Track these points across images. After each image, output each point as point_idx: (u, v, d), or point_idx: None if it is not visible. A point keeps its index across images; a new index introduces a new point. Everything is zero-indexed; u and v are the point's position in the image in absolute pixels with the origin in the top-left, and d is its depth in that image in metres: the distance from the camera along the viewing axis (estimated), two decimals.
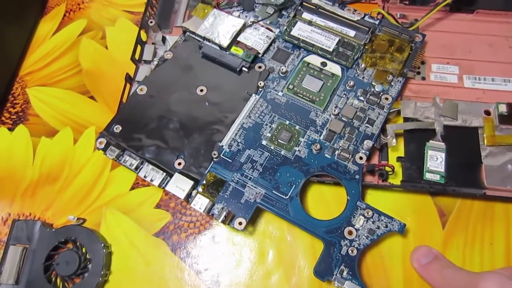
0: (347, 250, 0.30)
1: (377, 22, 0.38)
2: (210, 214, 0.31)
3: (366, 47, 0.37)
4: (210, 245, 0.33)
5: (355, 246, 0.30)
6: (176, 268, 0.33)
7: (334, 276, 0.29)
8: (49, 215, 0.35)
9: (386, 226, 0.31)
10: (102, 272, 0.32)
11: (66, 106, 0.40)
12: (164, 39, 0.41)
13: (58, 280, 0.33)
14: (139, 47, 0.40)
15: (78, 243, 0.33)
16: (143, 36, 0.40)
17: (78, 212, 0.35)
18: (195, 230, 0.34)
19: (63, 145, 0.38)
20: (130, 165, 0.33)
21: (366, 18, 0.38)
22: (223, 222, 0.31)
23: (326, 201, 0.34)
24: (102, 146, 0.34)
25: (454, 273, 0.28)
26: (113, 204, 0.35)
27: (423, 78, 0.37)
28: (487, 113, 0.35)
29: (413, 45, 0.37)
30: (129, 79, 0.38)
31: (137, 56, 0.39)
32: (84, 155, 0.37)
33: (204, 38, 0.38)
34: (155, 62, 0.38)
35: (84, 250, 0.33)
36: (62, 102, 0.40)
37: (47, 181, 0.37)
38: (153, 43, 0.41)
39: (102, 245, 0.33)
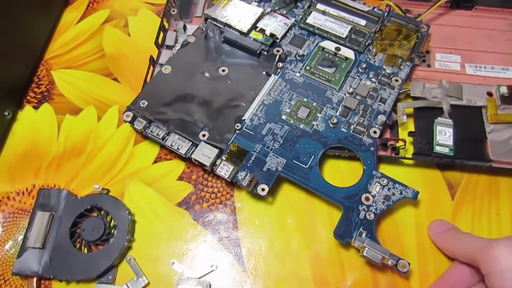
0: (365, 215, 0.32)
1: (385, 13, 0.41)
2: (234, 180, 0.33)
3: (376, 35, 0.40)
4: (231, 214, 0.35)
5: (372, 211, 0.32)
6: (198, 235, 0.34)
7: (354, 237, 0.31)
8: (74, 186, 0.36)
9: (401, 193, 0.33)
10: (128, 237, 0.33)
11: (90, 87, 0.42)
12: (185, 27, 0.43)
13: (83, 246, 0.33)
14: (161, 34, 0.42)
15: (103, 211, 0.34)
16: (166, 24, 0.43)
17: (102, 183, 0.36)
18: (217, 200, 0.35)
19: (87, 122, 0.39)
20: (157, 135, 0.35)
21: (375, 9, 0.41)
22: (248, 186, 0.32)
23: (342, 174, 0.36)
24: (129, 119, 0.35)
25: (470, 239, 0.30)
26: (136, 176, 0.37)
27: (429, 66, 0.40)
28: (490, 94, 0.37)
29: (419, 34, 0.40)
30: (152, 61, 0.40)
31: (160, 41, 0.41)
32: (108, 131, 0.39)
33: (225, 25, 0.40)
34: (178, 47, 0.40)
35: (109, 217, 0.34)
36: (86, 83, 0.42)
37: (72, 155, 0.38)
38: (174, 30, 0.43)
39: (128, 212, 0.34)
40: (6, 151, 0.38)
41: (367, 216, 0.32)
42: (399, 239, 0.33)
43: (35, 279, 0.32)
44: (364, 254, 0.30)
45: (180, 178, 0.36)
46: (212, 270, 0.33)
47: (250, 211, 0.35)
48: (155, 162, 0.37)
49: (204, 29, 0.41)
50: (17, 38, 0.41)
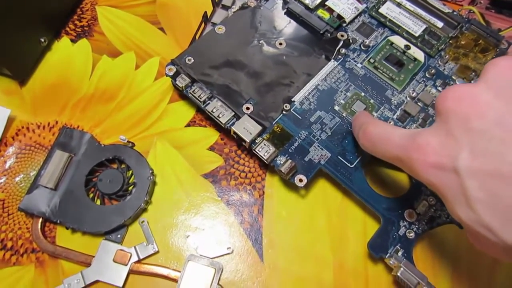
0: (405, 232, 0.29)
1: (466, 20, 0.37)
2: (272, 164, 0.30)
3: (451, 41, 0.36)
4: (258, 199, 0.32)
5: (414, 230, 0.29)
6: (220, 213, 0.31)
7: (389, 254, 0.28)
8: (98, 132, 0.34)
9: (448, 217, 0.30)
10: (146, 198, 0.30)
11: (134, 31, 0.39)
12: None
13: (97, 197, 0.31)
14: None
15: (125, 165, 0.32)
16: None
17: (127, 136, 0.33)
18: (246, 180, 0.33)
19: (124, 67, 0.37)
20: (198, 97, 0.32)
21: (456, 13, 0.37)
22: (286, 174, 0.29)
23: (384, 183, 0.33)
24: (171, 73, 0.33)
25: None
26: (165, 136, 0.34)
27: None
28: None
29: (498, 50, 0.36)
30: (205, 18, 0.37)
31: None
32: (144, 82, 0.36)
33: None
34: (234, 9, 0.37)
35: (130, 173, 0.32)
36: (130, 26, 0.39)
37: (102, 99, 0.35)
38: None
39: (151, 171, 0.31)
40: (34, 80, 0.36)
41: (407, 234, 0.29)
42: (433, 265, 0.31)
43: (40, 220, 0.30)
44: (398, 274, 0.27)
45: (211, 149, 0.34)
46: (228, 253, 0.30)
47: (279, 200, 0.32)
48: (187, 125, 0.35)
49: None
50: None
